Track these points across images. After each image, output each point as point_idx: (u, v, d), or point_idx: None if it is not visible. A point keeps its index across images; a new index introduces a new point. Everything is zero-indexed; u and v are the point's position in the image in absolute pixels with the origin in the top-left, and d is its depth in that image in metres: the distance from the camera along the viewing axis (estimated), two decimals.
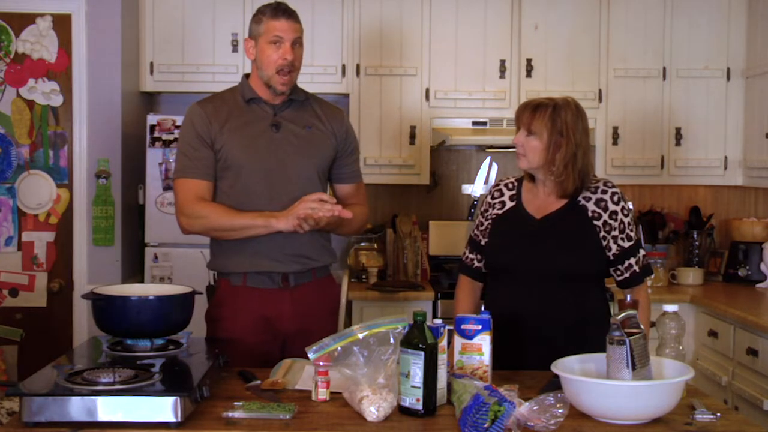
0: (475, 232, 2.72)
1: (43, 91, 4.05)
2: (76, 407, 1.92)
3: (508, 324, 2.49)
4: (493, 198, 2.70)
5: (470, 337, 2.26)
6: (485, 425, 1.85)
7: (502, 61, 4.42)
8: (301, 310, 2.74)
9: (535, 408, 1.87)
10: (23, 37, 4.04)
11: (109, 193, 4.07)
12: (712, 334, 3.91)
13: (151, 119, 4.12)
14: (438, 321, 2.17)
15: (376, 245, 4.55)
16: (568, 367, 2.10)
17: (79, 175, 4.06)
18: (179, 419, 1.93)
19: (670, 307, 2.29)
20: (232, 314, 2.72)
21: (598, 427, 1.96)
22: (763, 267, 4.37)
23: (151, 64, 4.35)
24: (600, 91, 4.45)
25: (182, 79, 4.37)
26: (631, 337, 2.01)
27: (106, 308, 2.39)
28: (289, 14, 2.72)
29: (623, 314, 2.04)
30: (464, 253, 2.76)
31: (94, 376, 2.02)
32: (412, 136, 4.42)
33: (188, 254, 4.00)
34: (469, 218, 4.68)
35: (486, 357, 2.26)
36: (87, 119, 4.06)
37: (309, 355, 2.15)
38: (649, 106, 4.47)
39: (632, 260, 2.58)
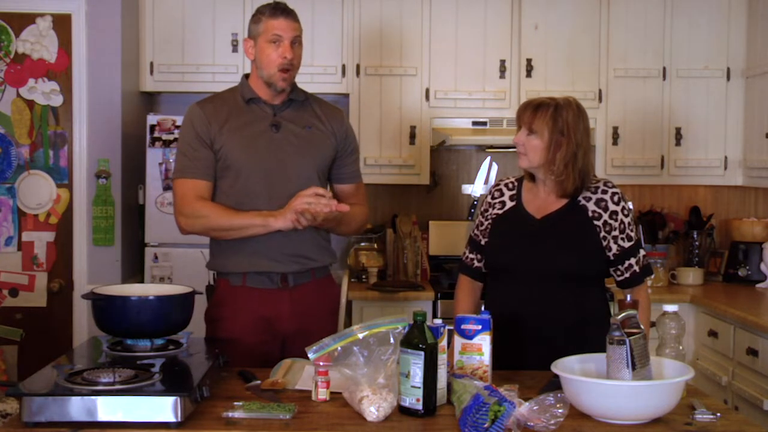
0: (475, 231, 2.72)
1: (43, 91, 4.05)
2: (76, 407, 1.92)
3: (508, 324, 2.49)
4: (493, 198, 2.70)
5: (470, 337, 2.26)
6: (485, 425, 1.85)
7: (502, 61, 4.42)
8: (300, 310, 2.74)
9: (535, 408, 1.87)
10: (23, 37, 4.04)
11: (109, 193, 4.07)
12: (712, 334, 3.91)
13: (151, 119, 4.12)
14: (438, 321, 2.17)
15: (376, 245, 4.55)
16: (568, 367, 2.10)
17: (79, 175, 4.06)
18: (179, 419, 1.93)
19: (670, 307, 2.29)
20: (232, 314, 2.72)
21: (598, 427, 1.96)
22: (763, 267, 4.37)
23: (151, 64, 4.35)
24: (600, 91, 4.45)
25: (182, 79, 4.37)
26: (631, 337, 2.01)
27: (106, 308, 2.39)
28: (288, 13, 2.72)
29: (623, 314, 2.04)
30: (464, 253, 2.76)
31: (94, 376, 2.02)
32: (412, 136, 4.42)
33: (188, 254, 4.00)
34: (469, 218, 4.68)
35: (486, 357, 2.26)
36: (87, 119, 4.06)
37: (309, 355, 2.15)
38: (649, 106, 4.47)
39: (632, 260, 2.58)
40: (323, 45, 4.36)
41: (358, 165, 2.96)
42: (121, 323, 2.38)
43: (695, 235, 4.63)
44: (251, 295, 2.72)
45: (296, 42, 2.73)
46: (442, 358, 2.09)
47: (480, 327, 2.26)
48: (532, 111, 2.54)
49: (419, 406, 2.02)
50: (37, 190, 4.06)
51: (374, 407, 1.98)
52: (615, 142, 4.46)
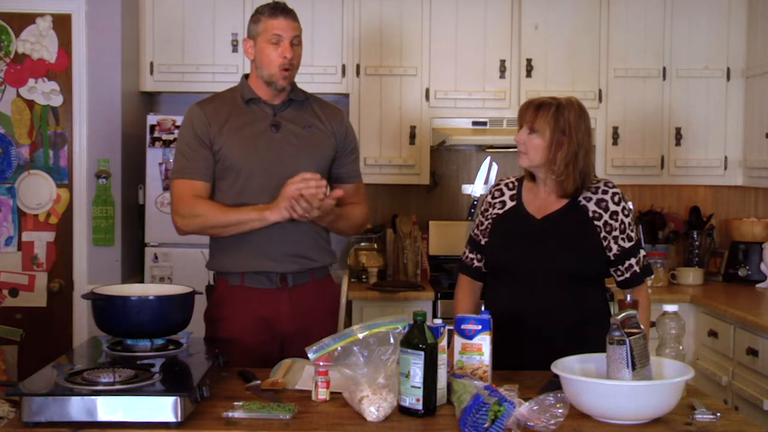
0: (475, 231, 2.72)
1: (43, 91, 4.05)
2: (76, 407, 1.92)
3: (508, 324, 2.49)
4: (493, 198, 2.69)
5: (470, 337, 2.26)
6: (485, 425, 1.85)
7: (502, 61, 4.42)
8: (299, 310, 2.74)
9: (535, 408, 1.87)
10: (23, 37, 4.04)
11: (109, 193, 4.07)
12: (712, 334, 3.91)
13: (151, 119, 4.12)
14: (438, 321, 2.17)
15: (376, 245, 4.55)
16: (568, 367, 2.10)
17: (79, 175, 4.06)
18: (179, 419, 1.93)
19: (670, 307, 2.29)
20: (231, 314, 2.72)
21: (598, 427, 1.96)
22: (763, 267, 4.37)
23: (151, 64, 4.35)
24: (600, 91, 4.45)
25: (182, 79, 4.37)
26: (631, 337, 2.01)
27: (106, 308, 2.39)
28: (288, 13, 2.72)
29: (623, 314, 2.04)
30: (464, 253, 2.76)
31: (94, 376, 2.02)
32: (412, 136, 4.42)
33: (188, 254, 4.00)
34: (469, 218, 4.68)
35: (486, 357, 2.26)
36: (87, 119, 4.06)
37: (309, 355, 2.15)
38: (649, 106, 4.47)
39: (633, 260, 2.58)
40: (323, 45, 4.36)
41: (358, 165, 2.96)
42: (121, 323, 2.38)
43: (695, 235, 4.63)
44: (250, 295, 2.72)
45: (296, 41, 2.73)
46: (442, 358, 2.09)
47: (480, 327, 2.26)
48: (534, 110, 2.54)
49: (419, 406, 2.02)
50: (37, 190, 4.06)
51: (374, 407, 1.98)
52: (615, 142, 4.46)
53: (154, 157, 4.10)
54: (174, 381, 2.09)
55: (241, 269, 2.72)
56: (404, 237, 4.47)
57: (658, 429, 1.96)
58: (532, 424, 1.87)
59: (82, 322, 4.02)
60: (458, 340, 2.27)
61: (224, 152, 2.71)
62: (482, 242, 2.69)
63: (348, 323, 3.54)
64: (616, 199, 2.58)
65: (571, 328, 2.53)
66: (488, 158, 4.74)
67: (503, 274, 2.62)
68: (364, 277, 4.41)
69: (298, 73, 2.79)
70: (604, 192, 2.59)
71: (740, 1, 4.44)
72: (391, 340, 2.08)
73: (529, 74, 4.42)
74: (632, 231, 2.59)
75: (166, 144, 4.07)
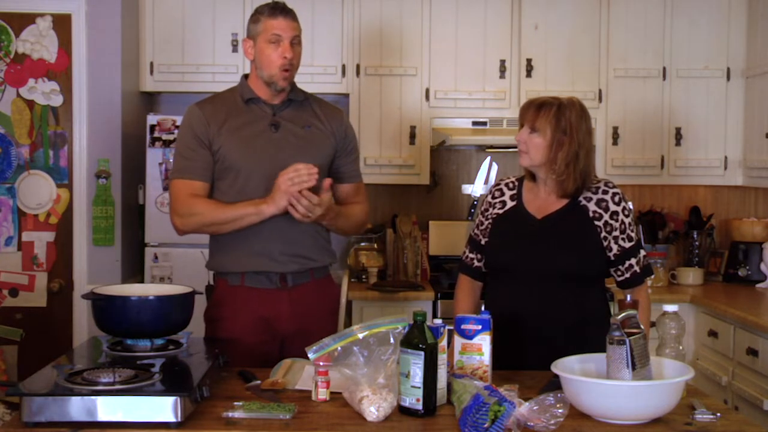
0: (476, 231, 2.72)
1: (43, 91, 4.05)
2: (76, 407, 1.92)
3: (508, 324, 2.49)
4: (493, 197, 2.69)
5: (470, 337, 2.26)
6: (485, 425, 1.85)
7: (502, 61, 4.42)
8: (299, 310, 2.73)
9: (535, 408, 1.87)
10: (23, 37, 4.04)
11: (109, 193, 4.07)
12: (712, 334, 3.91)
13: (151, 119, 4.12)
14: (438, 321, 2.17)
15: (376, 245, 4.55)
16: (568, 367, 2.10)
17: (79, 175, 4.06)
18: (179, 419, 1.93)
19: (670, 307, 2.28)
20: (230, 314, 2.72)
21: (598, 427, 1.96)
22: (763, 267, 4.37)
23: (151, 64, 4.35)
24: (600, 91, 4.45)
25: (182, 79, 4.37)
26: (631, 337, 2.01)
27: (106, 308, 2.39)
28: (287, 12, 2.72)
29: (623, 314, 2.04)
30: (464, 253, 2.76)
31: (94, 376, 2.02)
32: (412, 136, 4.42)
33: (188, 254, 4.00)
34: (469, 218, 4.68)
35: (486, 357, 2.26)
36: (87, 119, 4.06)
37: (309, 355, 2.15)
38: (649, 106, 4.47)
39: (633, 260, 2.58)
40: (323, 45, 4.36)
41: (358, 164, 2.96)
42: (121, 323, 2.38)
43: (695, 235, 4.63)
44: (250, 295, 2.72)
45: (296, 41, 2.73)
46: (442, 358, 2.09)
47: (480, 327, 2.26)
48: (536, 109, 2.54)
49: (419, 406, 2.02)
50: (37, 190, 4.06)
51: (374, 407, 1.98)
52: (615, 142, 4.46)
53: (154, 157, 4.10)
54: (174, 381, 2.09)
55: (240, 269, 2.72)
56: (404, 237, 4.47)
57: (658, 429, 1.96)
58: (532, 424, 1.87)
59: (82, 322, 4.02)
60: (458, 340, 2.27)
61: (223, 152, 2.71)
62: (482, 242, 2.69)
63: (348, 323, 3.53)
64: (617, 199, 2.58)
65: (571, 328, 2.53)
66: (488, 158, 4.74)
67: (503, 274, 2.62)
68: (364, 277, 4.41)
69: (298, 73, 2.79)
70: (605, 192, 2.59)
71: (740, 1, 4.44)
72: (391, 340, 2.08)
73: (529, 74, 4.42)
74: (632, 231, 2.59)
75: (166, 144, 4.07)
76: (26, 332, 4.05)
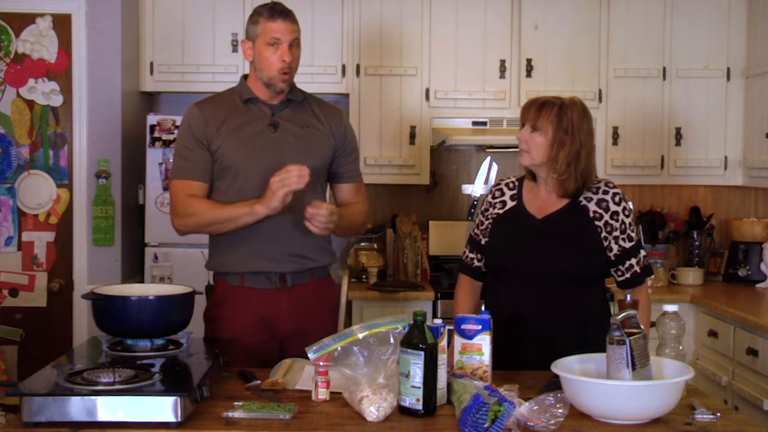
0: (476, 231, 2.72)
1: (43, 91, 4.05)
2: (76, 407, 1.92)
3: (508, 324, 2.49)
4: (493, 197, 2.69)
5: (470, 337, 2.26)
6: (485, 425, 1.85)
7: (502, 61, 4.42)
8: (298, 310, 2.73)
9: (535, 408, 1.87)
10: (23, 37, 4.04)
11: (109, 193, 4.07)
12: (712, 334, 3.91)
13: (151, 119, 4.12)
14: (438, 321, 2.17)
15: (376, 245, 4.55)
16: (568, 367, 2.10)
17: (79, 175, 4.06)
18: (179, 419, 1.93)
19: (670, 307, 2.28)
20: (230, 314, 2.72)
21: (598, 427, 1.96)
22: (763, 267, 4.37)
23: (151, 64, 4.35)
24: (600, 91, 4.45)
25: (182, 79, 4.37)
26: (631, 337, 2.01)
27: (106, 308, 2.38)
28: (286, 15, 2.71)
29: (623, 314, 2.04)
30: (464, 253, 2.76)
31: (94, 376, 2.02)
32: (412, 136, 4.42)
33: (188, 254, 4.00)
34: (469, 218, 4.68)
35: (486, 357, 2.26)
36: (87, 119, 4.06)
37: (309, 355, 2.15)
38: (649, 106, 4.47)
39: (633, 261, 2.58)
40: (323, 45, 4.36)
41: (358, 165, 2.96)
42: (121, 323, 2.38)
43: (695, 235, 4.63)
44: (249, 295, 2.72)
45: (294, 44, 2.72)
46: (442, 358, 2.09)
47: (480, 327, 2.26)
48: (537, 108, 2.54)
49: (419, 406, 2.02)
50: (37, 190, 4.06)
51: (374, 407, 1.98)
52: (615, 142, 4.46)
53: (154, 157, 4.10)
54: (174, 381, 2.09)
55: (240, 269, 2.72)
56: (404, 237, 4.47)
57: (658, 429, 1.96)
58: (532, 424, 1.87)
59: (82, 322, 4.02)
60: (458, 340, 2.27)
61: (222, 152, 2.71)
62: (482, 242, 2.69)
63: (348, 323, 3.54)
64: (617, 199, 2.58)
65: (571, 328, 2.53)
66: (488, 158, 4.74)
67: (503, 274, 2.62)
68: (364, 277, 4.41)
69: (298, 73, 2.79)
70: (605, 192, 2.59)
71: (740, 1, 4.44)
72: (391, 340, 2.08)
73: (529, 74, 4.42)
74: (633, 231, 2.59)
75: (166, 144, 4.07)
76: (26, 332, 4.05)
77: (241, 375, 2.36)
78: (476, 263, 2.71)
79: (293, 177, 2.52)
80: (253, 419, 1.99)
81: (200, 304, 2.61)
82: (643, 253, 2.62)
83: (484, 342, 2.25)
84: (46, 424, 1.92)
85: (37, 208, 4.07)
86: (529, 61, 4.41)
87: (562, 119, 2.52)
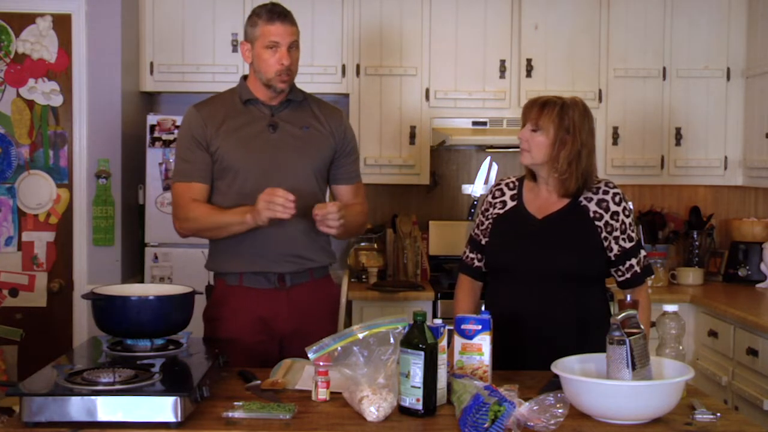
0: (476, 231, 2.72)
1: (43, 91, 4.05)
2: (76, 407, 1.92)
3: (508, 324, 2.49)
4: (494, 197, 2.69)
5: (470, 337, 2.26)
6: (485, 425, 1.85)
7: (502, 61, 4.42)
8: (298, 310, 2.73)
9: (535, 408, 1.87)
10: (23, 37, 4.04)
11: (109, 193, 4.07)
12: (712, 334, 3.91)
13: (151, 119, 4.12)
14: (438, 321, 2.17)
15: (376, 245, 4.55)
16: (568, 367, 2.10)
17: (79, 175, 4.06)
18: (179, 419, 1.93)
19: (670, 307, 2.28)
20: (229, 314, 2.72)
21: (598, 427, 1.96)
22: (763, 267, 4.37)
23: (151, 64, 4.35)
24: (600, 91, 4.45)
25: (182, 79, 4.37)
26: (631, 337, 2.01)
27: (106, 308, 2.38)
28: (285, 17, 2.69)
29: (623, 314, 2.04)
30: (464, 253, 2.76)
31: (94, 376, 2.02)
32: (412, 136, 4.42)
33: (188, 254, 4.00)
34: (469, 218, 4.68)
35: (486, 357, 2.26)
36: (87, 119, 4.06)
37: (309, 355, 2.15)
38: (649, 106, 4.47)
39: (633, 261, 2.58)
40: (323, 45, 4.36)
41: (358, 165, 2.95)
42: (121, 323, 2.38)
43: (695, 235, 4.63)
44: (248, 295, 2.72)
45: (293, 46, 2.71)
46: (442, 358, 2.09)
47: (480, 327, 2.26)
48: (539, 108, 2.54)
49: (419, 406, 2.02)
50: (37, 190, 4.06)
51: (374, 407, 1.98)
52: (615, 142, 4.46)
53: (154, 157, 4.10)
54: (174, 381, 2.09)
55: (238, 269, 2.72)
56: (404, 237, 4.47)
57: (658, 429, 1.96)
58: (532, 424, 1.87)
59: (82, 322, 4.02)
60: (458, 340, 2.27)
61: (221, 153, 2.71)
62: (482, 242, 2.69)
63: (348, 323, 3.54)
64: (617, 199, 2.58)
65: (571, 328, 2.53)
66: (488, 158, 4.74)
67: (503, 274, 2.62)
68: (364, 277, 4.41)
69: (298, 73, 2.78)
70: (605, 192, 2.59)
71: (740, 1, 4.44)
72: (391, 340, 2.08)
73: (529, 74, 4.42)
74: (633, 231, 2.59)
75: (166, 144, 4.07)
76: (26, 332, 4.05)
77: (241, 375, 2.36)
78: (476, 263, 2.71)
79: (278, 207, 2.50)
80: (253, 419, 1.99)
81: (200, 304, 2.61)
82: (643, 253, 2.62)
83: (484, 342, 2.25)
84: (46, 424, 1.92)
85: (37, 208, 4.07)
86: (529, 61, 4.41)
87: (564, 119, 2.52)
